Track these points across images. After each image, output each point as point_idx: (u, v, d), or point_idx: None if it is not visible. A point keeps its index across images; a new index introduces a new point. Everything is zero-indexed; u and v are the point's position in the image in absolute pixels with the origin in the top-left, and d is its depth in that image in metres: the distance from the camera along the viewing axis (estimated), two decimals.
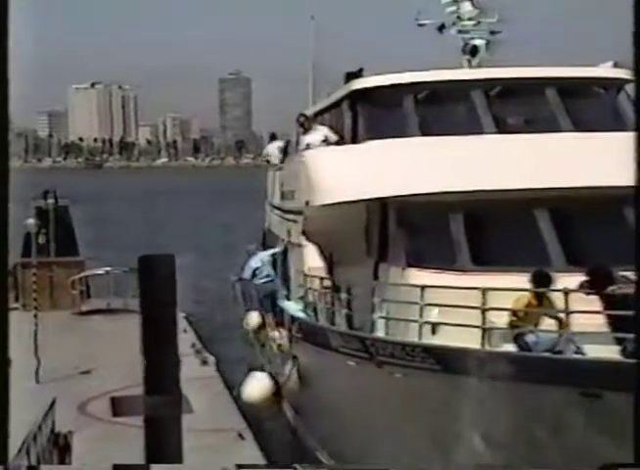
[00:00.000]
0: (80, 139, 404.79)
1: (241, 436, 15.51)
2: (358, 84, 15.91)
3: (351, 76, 16.61)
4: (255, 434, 15.86)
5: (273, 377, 16.64)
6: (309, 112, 21.71)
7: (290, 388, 16.06)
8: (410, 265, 13.03)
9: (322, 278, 15.14)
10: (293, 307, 16.39)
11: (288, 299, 17.68)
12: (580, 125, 14.28)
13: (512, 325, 10.52)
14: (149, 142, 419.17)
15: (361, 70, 16.76)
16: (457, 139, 14.19)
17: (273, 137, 28.28)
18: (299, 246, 16.56)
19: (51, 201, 29.62)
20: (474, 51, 16.69)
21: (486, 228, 13.14)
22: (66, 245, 29.92)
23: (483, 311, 10.22)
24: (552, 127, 14.31)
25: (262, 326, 23.12)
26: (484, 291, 10.27)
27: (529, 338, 10.31)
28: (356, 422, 12.94)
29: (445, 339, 10.66)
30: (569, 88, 14.97)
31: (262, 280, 19.61)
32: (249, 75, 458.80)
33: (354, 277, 14.47)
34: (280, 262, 20.01)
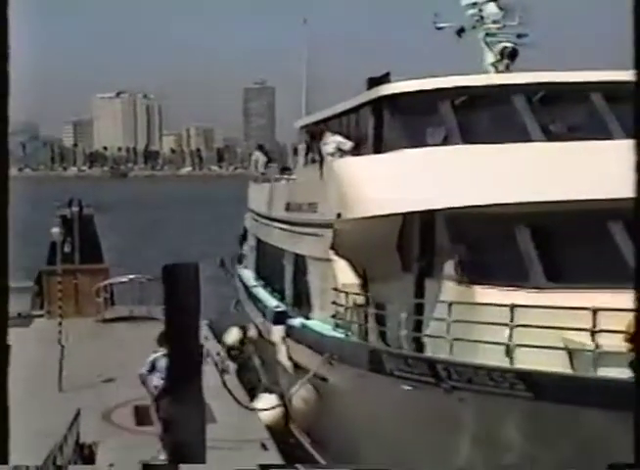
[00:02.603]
0: (105, 148, 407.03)
1: (264, 446, 15.42)
2: (387, 90, 14.94)
3: (375, 82, 15.66)
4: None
5: (282, 399, 15.91)
6: (311, 119, 20.76)
7: (306, 411, 15.14)
8: (473, 282, 12.01)
9: (364, 295, 14.10)
10: (320, 327, 15.33)
11: (307, 317, 16.67)
12: (632, 132, 13.40)
13: (631, 349, 9.40)
14: (173, 151, 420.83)
15: (387, 75, 15.76)
16: (511, 147, 13.31)
17: (260, 148, 28.43)
18: (327, 261, 15.44)
19: (75, 209, 29.77)
20: (513, 54, 15.84)
21: (557, 242, 12.17)
22: (90, 253, 30.05)
23: (593, 333, 9.30)
24: (603, 134, 13.43)
25: (243, 342, 22.59)
26: (595, 311, 9.32)
27: None
28: (406, 449, 11.98)
29: (521, 363, 9.93)
30: (614, 92, 13.93)
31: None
32: (273, 85, 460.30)
33: (388, 293, 13.62)
34: (291, 278, 19.09)
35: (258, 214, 24.75)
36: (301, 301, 17.88)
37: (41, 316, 28.98)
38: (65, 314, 20.92)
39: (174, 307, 4.45)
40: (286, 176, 22.36)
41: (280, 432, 16.27)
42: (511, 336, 10.21)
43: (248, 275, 25.83)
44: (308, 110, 24.45)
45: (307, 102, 25.73)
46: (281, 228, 20.14)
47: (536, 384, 9.40)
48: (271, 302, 20.17)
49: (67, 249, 26.83)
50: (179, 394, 4.72)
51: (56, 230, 23.57)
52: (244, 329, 23.22)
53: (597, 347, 9.30)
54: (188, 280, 4.46)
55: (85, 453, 12.04)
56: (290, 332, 16.88)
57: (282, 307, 18.57)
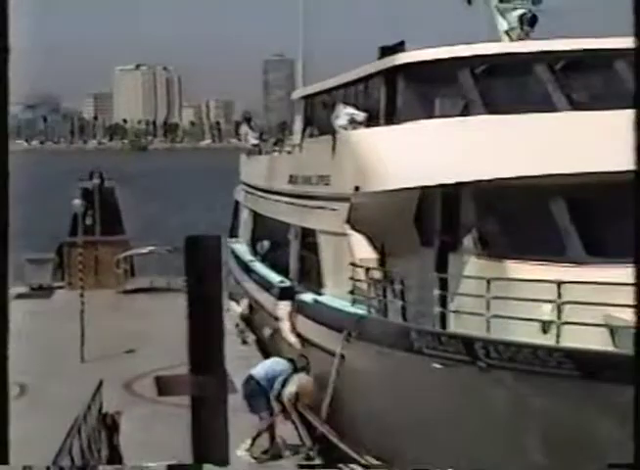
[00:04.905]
0: (124, 121, 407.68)
1: None
2: (402, 59, 14.50)
3: (388, 51, 15.22)
4: None
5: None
6: (309, 91, 20.16)
7: (316, 388, 14.50)
8: (505, 257, 11.67)
9: (383, 271, 13.79)
10: (336, 302, 14.90)
11: (317, 292, 16.21)
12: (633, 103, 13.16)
13: None
14: (192, 124, 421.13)
15: (402, 44, 15.27)
16: (540, 117, 12.89)
17: (248, 121, 28.30)
18: (342, 235, 14.96)
19: (97, 182, 29.91)
20: (532, 21, 15.26)
21: (593, 214, 11.82)
22: (111, 225, 30.24)
23: None
24: (629, 103, 13.17)
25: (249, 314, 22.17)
26: None
27: None
28: (434, 430, 11.58)
29: (561, 340, 9.68)
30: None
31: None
32: (292, 57, 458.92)
33: (407, 268, 13.31)
34: (297, 252, 18.60)
35: (254, 187, 24.18)
36: (309, 275, 17.40)
37: (62, 288, 29.25)
38: (85, 286, 21.09)
39: (196, 279, 4.47)
40: (286, 149, 21.71)
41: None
42: (560, 312, 9.81)
43: (242, 249, 25.26)
44: (307, 81, 23.92)
45: (305, 73, 25.19)
46: (285, 202, 19.51)
47: (586, 363, 9.13)
48: (273, 276, 19.63)
49: (88, 221, 26.98)
50: (200, 366, 4.75)
51: (77, 202, 23.70)
52: (237, 303, 22.92)
53: None
54: (211, 251, 4.48)
55: (108, 422, 12.19)
56: (299, 307, 16.51)
57: (287, 283, 18.15)
